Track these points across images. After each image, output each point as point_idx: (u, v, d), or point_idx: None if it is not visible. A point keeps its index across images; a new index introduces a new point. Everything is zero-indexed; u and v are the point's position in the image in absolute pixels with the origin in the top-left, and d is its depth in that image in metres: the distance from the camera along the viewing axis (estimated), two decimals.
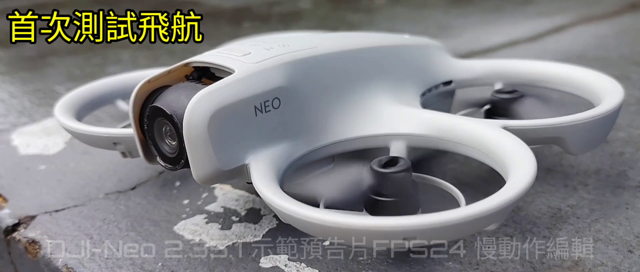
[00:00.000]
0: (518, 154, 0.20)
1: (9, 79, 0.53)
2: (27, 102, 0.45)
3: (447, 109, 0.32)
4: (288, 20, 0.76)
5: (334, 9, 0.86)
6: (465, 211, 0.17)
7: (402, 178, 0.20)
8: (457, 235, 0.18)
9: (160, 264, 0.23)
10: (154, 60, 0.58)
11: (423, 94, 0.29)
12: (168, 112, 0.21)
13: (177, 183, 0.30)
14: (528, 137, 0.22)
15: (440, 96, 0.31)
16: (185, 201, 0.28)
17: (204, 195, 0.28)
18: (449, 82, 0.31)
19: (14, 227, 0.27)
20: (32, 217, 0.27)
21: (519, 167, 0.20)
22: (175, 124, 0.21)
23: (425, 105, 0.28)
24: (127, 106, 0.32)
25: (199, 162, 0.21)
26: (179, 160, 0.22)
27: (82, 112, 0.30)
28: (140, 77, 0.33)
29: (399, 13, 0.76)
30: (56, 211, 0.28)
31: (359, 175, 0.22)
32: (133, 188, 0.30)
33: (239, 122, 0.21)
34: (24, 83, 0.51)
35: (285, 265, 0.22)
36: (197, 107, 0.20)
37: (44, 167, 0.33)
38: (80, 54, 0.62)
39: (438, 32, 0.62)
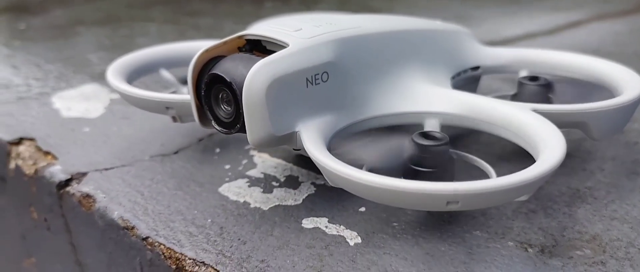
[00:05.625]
0: (548, 134, 0.22)
1: (42, 45, 0.55)
2: (62, 68, 0.47)
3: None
4: (308, 2, 0.78)
5: None
6: (505, 180, 0.19)
7: (442, 151, 0.22)
8: (494, 202, 0.20)
9: (209, 220, 0.25)
10: (180, 34, 0.59)
11: (453, 78, 0.31)
12: (228, 80, 0.23)
13: (217, 150, 0.31)
14: (555, 120, 0.24)
15: (468, 80, 0.33)
16: (227, 166, 0.30)
17: (244, 161, 0.30)
18: (476, 68, 0.33)
19: (67, 182, 0.29)
20: (84, 174, 0.29)
21: (550, 145, 0.21)
22: (233, 91, 0.23)
23: (454, 88, 0.30)
24: (169, 75, 0.34)
25: (255, 127, 0.22)
26: (234, 125, 0.24)
27: (131, 78, 0.32)
28: (180, 48, 0.35)
29: (418, 1, 0.78)
30: (106, 169, 0.30)
31: (401, 146, 0.23)
32: (176, 152, 0.31)
33: (292, 92, 0.23)
34: (57, 50, 0.53)
35: (326, 226, 0.24)
36: (256, 76, 0.22)
37: (88, 130, 0.35)
38: (106, 24, 0.64)
39: (457, 22, 0.64)
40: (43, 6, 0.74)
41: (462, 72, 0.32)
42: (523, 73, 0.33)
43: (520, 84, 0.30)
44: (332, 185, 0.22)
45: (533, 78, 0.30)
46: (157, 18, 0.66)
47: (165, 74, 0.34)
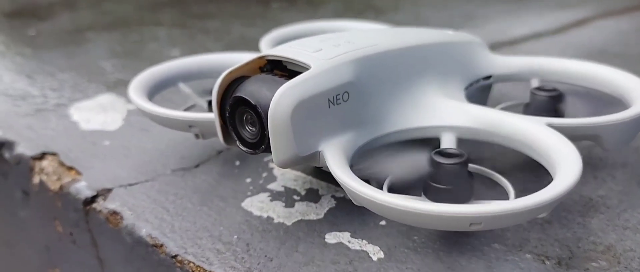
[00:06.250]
0: (564, 150, 0.23)
1: (54, 52, 0.56)
2: (76, 77, 0.48)
3: (484, 103, 0.35)
4: (315, 2, 0.78)
5: None
6: (527, 201, 0.19)
7: (460, 169, 0.23)
8: (515, 222, 0.21)
9: (235, 236, 0.26)
10: (190, 38, 0.60)
11: (466, 88, 0.31)
12: (252, 103, 0.24)
13: (237, 162, 0.32)
14: (568, 134, 0.25)
15: (480, 90, 0.33)
16: (248, 180, 0.30)
17: (264, 174, 0.31)
18: (488, 77, 0.33)
19: (93, 199, 0.30)
20: (109, 190, 0.30)
21: (567, 162, 0.22)
22: (258, 113, 0.24)
23: (467, 98, 0.31)
24: (187, 89, 0.34)
25: (280, 148, 0.23)
26: (259, 145, 0.24)
27: (151, 94, 0.32)
28: (197, 62, 0.36)
29: (422, 0, 0.78)
30: (130, 184, 0.30)
31: (421, 163, 0.24)
32: (196, 166, 0.32)
33: (315, 113, 0.24)
34: (69, 57, 0.54)
35: (349, 241, 0.25)
36: (281, 99, 0.23)
37: (109, 143, 0.35)
38: (115, 29, 0.64)
39: (463, 21, 0.64)
40: (51, 10, 0.74)
41: (474, 82, 0.32)
42: (534, 82, 0.33)
43: (533, 94, 0.31)
44: (356, 204, 0.23)
45: (545, 89, 0.31)
46: (165, 22, 0.67)
47: (184, 88, 0.34)
